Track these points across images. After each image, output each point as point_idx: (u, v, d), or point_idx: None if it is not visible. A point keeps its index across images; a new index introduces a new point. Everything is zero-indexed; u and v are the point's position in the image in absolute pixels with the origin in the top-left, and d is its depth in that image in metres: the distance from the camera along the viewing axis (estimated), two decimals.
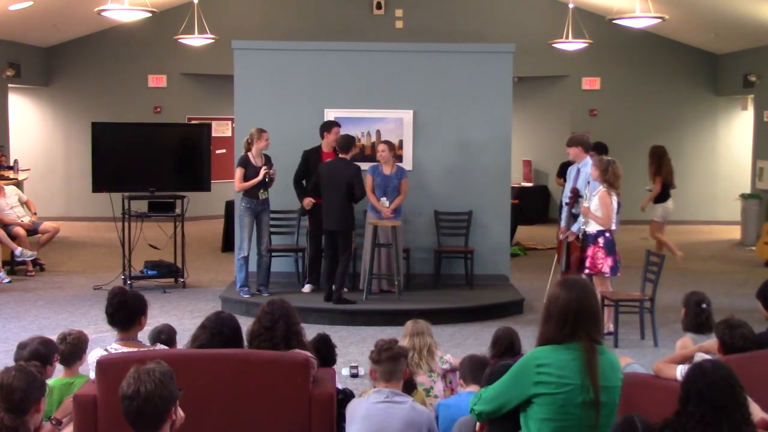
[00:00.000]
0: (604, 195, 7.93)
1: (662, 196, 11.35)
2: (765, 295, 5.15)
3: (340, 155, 8.88)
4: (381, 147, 9.31)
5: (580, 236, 8.35)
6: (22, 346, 4.69)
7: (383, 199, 9.20)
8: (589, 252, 8.04)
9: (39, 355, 4.53)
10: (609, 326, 7.97)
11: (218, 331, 4.37)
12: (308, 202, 9.25)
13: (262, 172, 9.04)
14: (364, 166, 9.42)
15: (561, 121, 16.77)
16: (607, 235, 7.99)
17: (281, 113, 9.93)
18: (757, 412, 3.64)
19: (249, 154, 9.16)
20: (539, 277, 11.03)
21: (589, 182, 8.37)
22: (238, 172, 9.14)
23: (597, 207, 8.00)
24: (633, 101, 16.38)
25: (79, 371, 4.94)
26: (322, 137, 9.32)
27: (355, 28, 15.59)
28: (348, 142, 8.94)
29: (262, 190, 9.16)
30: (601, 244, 7.97)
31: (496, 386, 3.35)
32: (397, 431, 4.05)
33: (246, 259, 9.22)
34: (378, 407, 4.12)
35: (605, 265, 7.96)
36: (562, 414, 3.17)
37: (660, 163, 11.31)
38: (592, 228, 8.07)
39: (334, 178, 8.83)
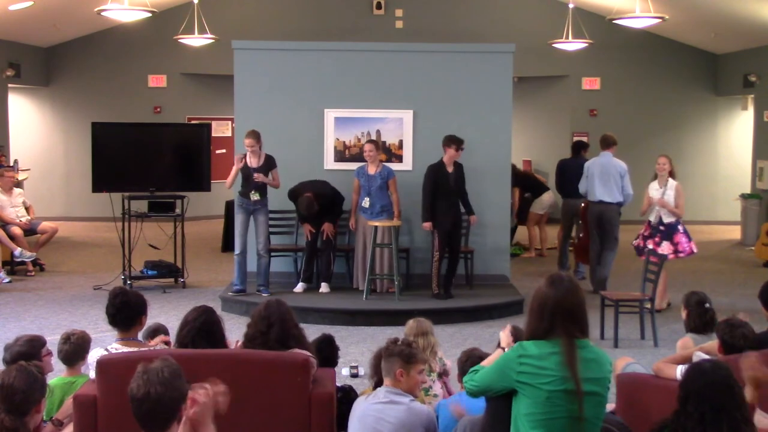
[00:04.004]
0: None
1: (536, 193, 13.15)
2: (766, 295, 5.15)
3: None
4: (367, 147, 9.32)
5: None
6: (6, 348, 4.59)
7: (366, 199, 9.23)
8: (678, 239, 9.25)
9: (23, 356, 4.39)
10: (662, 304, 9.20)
11: (196, 328, 4.38)
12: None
13: (256, 176, 9.10)
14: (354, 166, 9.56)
15: (561, 121, 16.76)
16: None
17: (281, 113, 9.93)
18: (762, 419, 3.63)
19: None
20: (539, 277, 11.04)
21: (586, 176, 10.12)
22: (232, 169, 9.28)
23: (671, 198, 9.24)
24: (633, 101, 16.37)
25: (80, 371, 4.94)
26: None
27: (355, 28, 15.59)
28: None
29: (253, 191, 9.17)
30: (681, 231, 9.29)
31: (486, 371, 3.47)
32: None
33: (239, 256, 9.25)
34: (374, 408, 4.13)
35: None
36: (548, 406, 3.22)
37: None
38: (671, 218, 9.21)
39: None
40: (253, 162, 9.17)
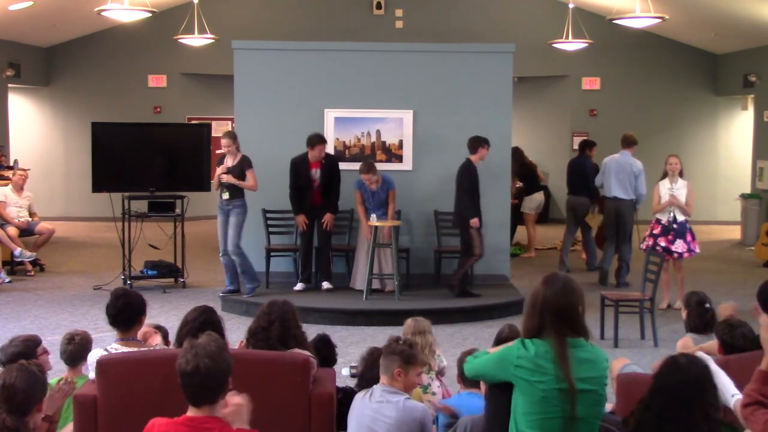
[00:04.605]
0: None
1: (529, 190, 12.99)
2: (765, 295, 5.14)
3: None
4: (365, 178, 9.20)
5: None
6: (2, 350, 4.55)
7: (373, 216, 9.22)
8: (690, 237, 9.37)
9: (19, 356, 4.33)
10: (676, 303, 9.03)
11: (196, 328, 4.39)
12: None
13: (222, 176, 9.15)
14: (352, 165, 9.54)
15: (561, 121, 16.76)
16: None
17: (281, 113, 9.94)
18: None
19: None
20: (539, 277, 11.04)
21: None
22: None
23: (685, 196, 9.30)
24: (633, 101, 16.37)
25: (82, 371, 4.94)
26: (311, 148, 9.24)
27: (355, 28, 15.59)
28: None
29: (223, 190, 9.21)
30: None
31: (487, 358, 3.48)
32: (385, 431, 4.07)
33: (223, 257, 9.35)
34: (370, 407, 4.16)
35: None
36: (543, 405, 3.24)
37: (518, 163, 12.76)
38: (683, 216, 9.29)
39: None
40: (229, 162, 9.22)
